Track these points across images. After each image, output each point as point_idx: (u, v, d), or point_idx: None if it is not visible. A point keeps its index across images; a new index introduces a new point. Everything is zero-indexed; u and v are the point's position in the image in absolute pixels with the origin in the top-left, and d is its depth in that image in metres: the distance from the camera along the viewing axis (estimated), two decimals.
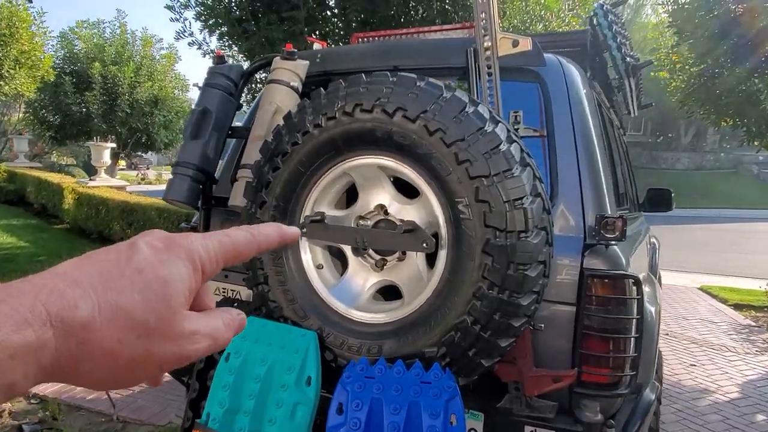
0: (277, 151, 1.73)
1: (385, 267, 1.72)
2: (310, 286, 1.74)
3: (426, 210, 1.60)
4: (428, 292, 1.56)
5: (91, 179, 11.32)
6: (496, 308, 1.43)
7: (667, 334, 6.43)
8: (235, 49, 8.07)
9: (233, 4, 7.61)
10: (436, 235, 1.58)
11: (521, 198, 1.42)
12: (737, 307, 8.01)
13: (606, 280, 1.77)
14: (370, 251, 1.75)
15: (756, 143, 7.08)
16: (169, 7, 8.86)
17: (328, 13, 7.56)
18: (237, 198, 1.99)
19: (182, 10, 8.78)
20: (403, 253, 1.68)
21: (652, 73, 8.17)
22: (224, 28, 8.33)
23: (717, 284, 9.44)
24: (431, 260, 1.62)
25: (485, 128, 1.46)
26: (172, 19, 8.98)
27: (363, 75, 1.64)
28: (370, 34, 2.66)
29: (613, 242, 1.72)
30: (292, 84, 2.22)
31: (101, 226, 8.64)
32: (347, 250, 1.77)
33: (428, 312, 1.55)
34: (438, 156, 1.48)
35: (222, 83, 2.39)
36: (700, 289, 9.28)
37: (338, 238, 1.68)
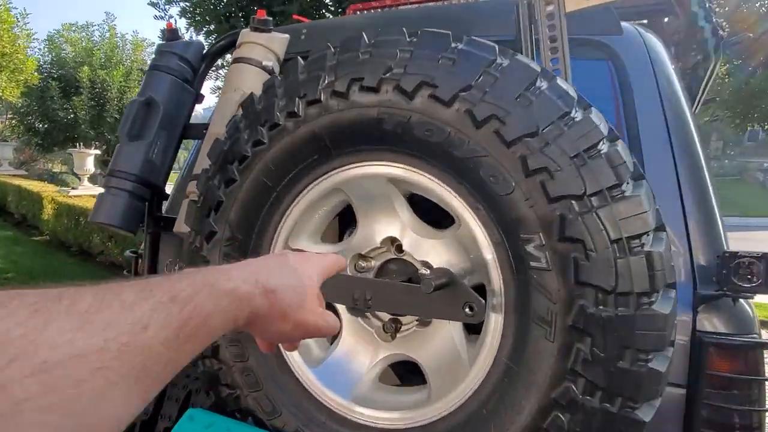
0: (232, 155, 1.12)
1: (399, 335, 1.11)
2: (283, 362, 1.12)
3: (466, 248, 0.99)
4: (473, 382, 0.95)
5: (72, 188, 10.71)
6: (598, 427, 0.82)
7: None
8: None
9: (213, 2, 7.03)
10: (482, 290, 0.97)
11: (642, 235, 0.81)
12: (764, 324, 7.47)
13: (734, 351, 1.16)
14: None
15: None
16: (153, 4, 8.28)
17: (324, 9, 6.99)
18: (182, 223, 1.37)
19: (167, 7, 8.21)
20: None
21: None
22: (212, 26, 7.76)
23: None
24: (475, 326, 1.01)
25: (572, 114, 0.85)
26: (156, 17, 8.40)
27: (364, 36, 1.03)
28: (371, 4, 2.08)
29: (749, 294, 1.12)
30: (264, 64, 1.62)
31: (81, 238, 8.00)
32: (340, 306, 1.16)
33: (473, 418, 0.93)
34: (491, 162, 0.88)
35: (174, 66, 1.78)
36: None
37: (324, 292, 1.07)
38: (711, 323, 1.19)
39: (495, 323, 0.94)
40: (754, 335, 1.19)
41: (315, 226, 1.17)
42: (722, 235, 1.30)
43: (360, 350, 1.13)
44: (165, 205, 1.85)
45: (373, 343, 1.13)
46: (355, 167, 1.05)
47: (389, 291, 1.00)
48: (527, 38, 1.22)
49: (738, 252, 1.12)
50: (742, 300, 1.24)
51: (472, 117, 0.89)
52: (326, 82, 1.01)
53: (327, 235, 1.24)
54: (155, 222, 1.78)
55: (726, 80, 6.09)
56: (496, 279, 0.93)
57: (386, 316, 1.14)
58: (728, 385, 1.16)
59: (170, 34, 1.86)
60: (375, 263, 1.15)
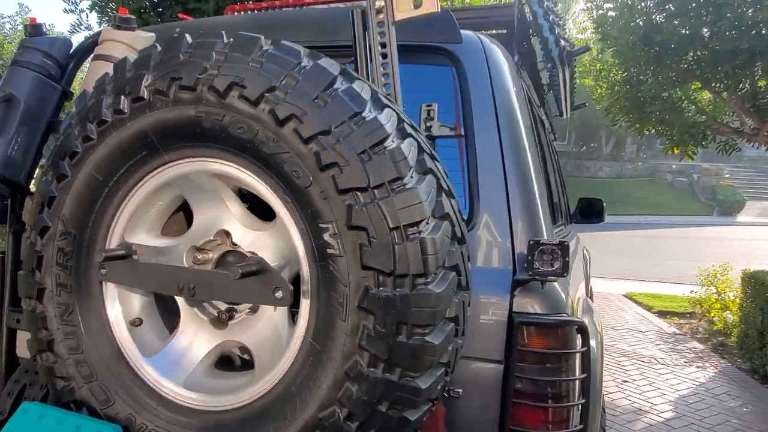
0: (63, 151, 1.14)
1: (231, 322, 1.17)
2: (119, 353, 1.16)
3: (284, 239, 1.07)
4: (284, 364, 1.02)
5: None
6: (381, 395, 0.92)
7: None
8: None
9: None
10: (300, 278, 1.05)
11: (418, 223, 0.91)
12: (661, 314, 8.05)
13: (543, 329, 1.30)
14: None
15: (677, 151, 7.08)
16: None
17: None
18: None
19: (77, 0, 7.84)
20: None
21: (577, 81, 8.07)
22: None
23: (641, 291, 9.53)
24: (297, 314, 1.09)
25: (363, 114, 0.95)
26: (65, 10, 7.99)
27: (187, 36, 1.09)
28: (247, 6, 2.12)
29: (551, 278, 1.26)
30: None
31: None
32: (179, 298, 1.20)
33: (284, 395, 1.01)
34: (292, 157, 0.96)
35: (37, 62, 1.75)
36: (626, 296, 9.33)
37: (152, 283, 1.11)
38: (524, 305, 1.32)
39: (305, 308, 1.02)
40: (563, 315, 1.34)
41: (152, 220, 1.21)
42: (543, 226, 1.45)
43: (196, 339, 1.18)
44: None
45: (208, 332, 1.18)
46: (183, 163, 1.10)
47: (207, 279, 1.06)
48: (361, 45, 1.31)
49: (540, 240, 1.26)
50: (555, 284, 1.39)
51: (275, 116, 0.96)
52: (149, 80, 1.06)
53: (174, 229, 1.28)
54: (18, 220, 1.75)
55: (623, 87, 6.54)
56: (305, 267, 1.02)
57: (222, 306, 1.20)
58: (539, 360, 1.30)
59: (33, 30, 1.82)
60: (213, 255, 1.20)
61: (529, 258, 1.25)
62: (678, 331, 7.12)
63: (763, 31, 4.97)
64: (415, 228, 0.91)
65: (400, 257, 0.90)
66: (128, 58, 1.14)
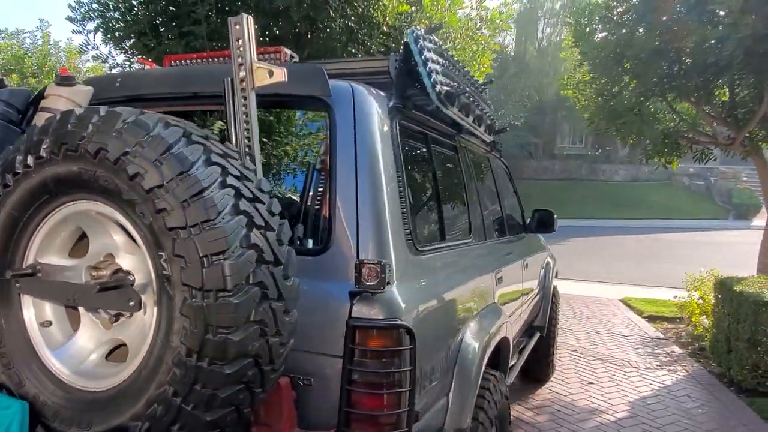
0: None
1: (115, 324, 1.53)
2: (31, 347, 1.53)
3: (145, 261, 1.42)
4: (141, 356, 1.38)
5: None
6: (196, 378, 1.26)
7: (575, 351, 6.45)
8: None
9: (133, 16, 7.27)
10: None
11: (222, 252, 1.25)
12: (651, 319, 8.15)
13: (373, 331, 1.63)
14: None
15: (658, 159, 7.27)
16: (71, 19, 8.43)
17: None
18: None
19: (84, 22, 8.38)
20: None
21: (561, 92, 8.31)
22: (128, 43, 7.98)
23: (639, 296, 9.59)
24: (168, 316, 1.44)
25: (188, 172, 1.29)
26: (74, 31, 8.55)
27: (75, 109, 1.45)
28: (184, 56, 2.49)
29: (379, 290, 1.59)
30: None
31: None
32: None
33: (138, 379, 1.36)
34: (140, 203, 1.31)
35: (0, 110, 2.15)
36: (621, 301, 9.43)
37: (50, 295, 1.48)
38: (362, 311, 1.64)
39: (154, 313, 1.37)
40: (394, 319, 1.66)
41: (60, 245, 1.58)
42: (390, 250, 1.77)
43: (90, 336, 1.54)
44: None
45: (99, 331, 1.54)
46: (74, 204, 1.47)
47: (82, 292, 1.43)
48: (231, 105, 1.66)
49: (364, 259, 1.59)
50: (395, 294, 1.71)
51: (127, 173, 1.31)
52: (47, 144, 1.42)
53: (80, 251, 1.64)
54: None
55: (597, 100, 6.78)
56: (155, 283, 1.37)
57: (113, 311, 1.56)
58: (370, 355, 1.63)
59: None
60: (106, 272, 1.56)
61: (356, 275, 1.58)
62: (662, 336, 7.25)
63: (725, 50, 5.18)
64: (220, 256, 1.25)
65: (206, 277, 1.24)
66: (36, 125, 1.50)
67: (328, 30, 6.47)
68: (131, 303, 1.34)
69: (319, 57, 6.19)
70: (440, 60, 2.29)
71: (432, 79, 2.13)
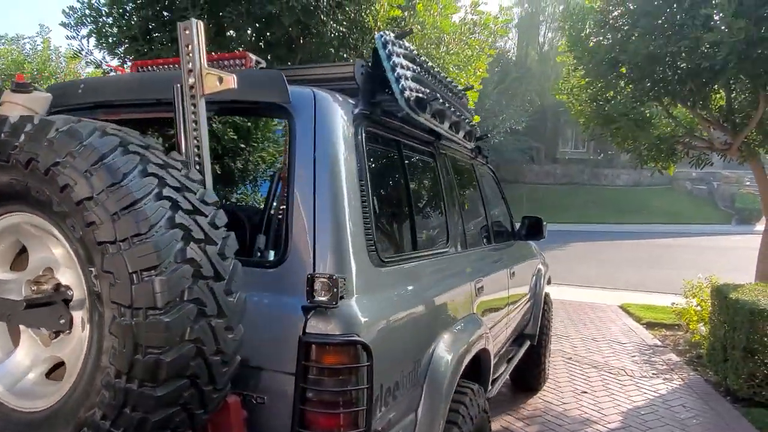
0: None
1: (53, 341, 1.47)
2: None
3: (80, 278, 1.36)
4: (75, 376, 1.31)
5: None
6: (125, 400, 1.19)
7: (570, 358, 6.36)
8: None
9: (125, 23, 7.26)
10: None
11: (153, 267, 1.19)
12: (650, 325, 8.03)
13: (328, 347, 1.56)
14: None
15: (652, 165, 7.18)
16: (65, 25, 8.43)
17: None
18: None
19: (78, 28, 8.37)
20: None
21: (558, 96, 8.25)
22: (121, 48, 7.96)
23: (638, 302, 9.47)
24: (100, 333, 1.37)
25: (120, 183, 1.23)
26: (68, 37, 8.56)
27: (9, 118, 1.39)
28: (151, 62, 2.43)
29: (332, 305, 1.52)
30: None
31: None
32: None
33: (70, 400, 1.30)
34: (70, 216, 1.25)
35: None
36: (620, 307, 9.32)
37: None
38: (317, 327, 1.58)
39: (87, 332, 1.31)
40: (350, 335, 1.59)
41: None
42: (350, 262, 1.70)
43: (28, 353, 1.48)
44: None
45: (38, 348, 1.48)
46: (9, 217, 1.41)
47: (12, 309, 1.36)
48: (180, 112, 1.60)
49: (316, 273, 1.53)
50: (353, 308, 1.65)
51: (58, 184, 1.25)
52: None
53: (21, 264, 1.58)
54: None
55: (590, 105, 6.71)
56: (87, 300, 1.31)
57: (53, 327, 1.50)
58: (324, 372, 1.56)
59: None
60: (47, 287, 1.50)
61: (308, 289, 1.51)
62: (659, 343, 7.14)
63: (719, 54, 5.10)
64: (151, 272, 1.19)
65: (136, 294, 1.18)
66: None
67: (320, 35, 6.44)
68: (62, 321, 1.28)
69: (311, 62, 6.15)
70: (410, 65, 2.22)
71: (401, 85, 2.06)
